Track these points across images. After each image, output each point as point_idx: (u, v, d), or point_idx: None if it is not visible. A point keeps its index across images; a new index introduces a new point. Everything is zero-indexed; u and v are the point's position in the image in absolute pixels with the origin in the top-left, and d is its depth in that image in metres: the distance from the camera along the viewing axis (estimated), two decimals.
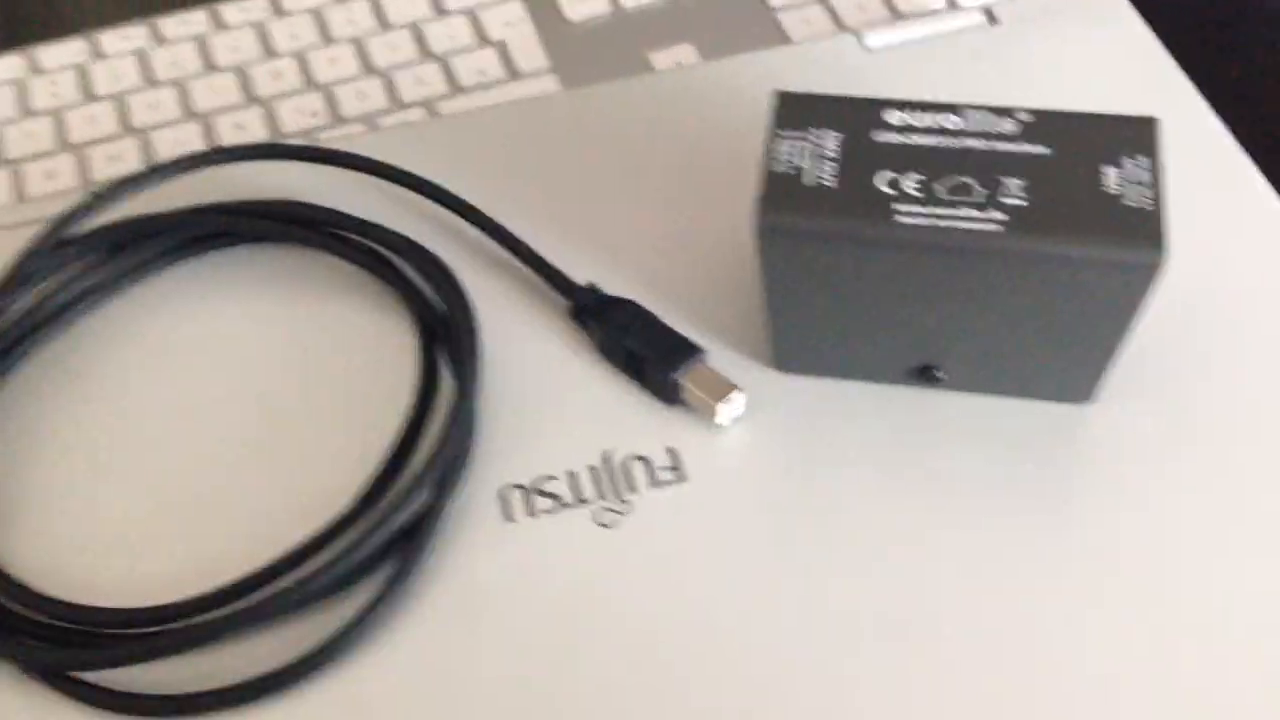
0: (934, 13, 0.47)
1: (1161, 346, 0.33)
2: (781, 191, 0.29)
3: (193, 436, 0.33)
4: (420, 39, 0.49)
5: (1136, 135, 0.29)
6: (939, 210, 0.29)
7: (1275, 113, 0.47)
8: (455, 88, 0.47)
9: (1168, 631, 0.29)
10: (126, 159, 0.45)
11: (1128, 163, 0.29)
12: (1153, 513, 0.30)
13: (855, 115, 0.30)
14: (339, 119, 0.46)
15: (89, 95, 0.47)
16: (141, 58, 0.48)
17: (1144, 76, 0.39)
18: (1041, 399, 0.32)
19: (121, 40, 0.49)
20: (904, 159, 0.29)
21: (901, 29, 0.40)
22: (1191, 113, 0.38)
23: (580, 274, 0.36)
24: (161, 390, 0.34)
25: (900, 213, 0.29)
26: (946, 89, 0.39)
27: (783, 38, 0.48)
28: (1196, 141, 0.37)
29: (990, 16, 0.41)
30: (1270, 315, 0.33)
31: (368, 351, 0.35)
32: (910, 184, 0.29)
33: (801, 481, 0.31)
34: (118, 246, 0.36)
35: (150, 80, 0.48)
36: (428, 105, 0.47)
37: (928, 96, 0.39)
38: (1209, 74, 0.48)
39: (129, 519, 0.32)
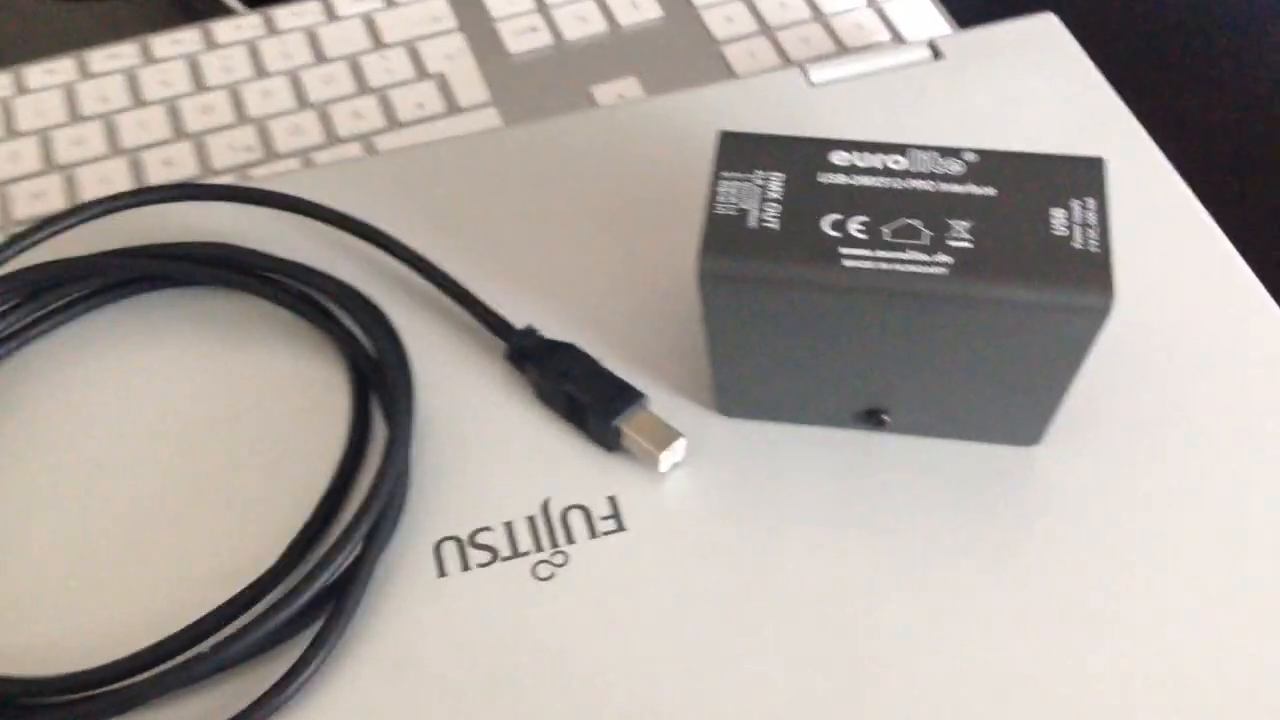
0: (879, 46, 0.47)
1: (1108, 386, 0.33)
2: (724, 235, 0.28)
3: (115, 489, 0.32)
4: (357, 71, 0.47)
5: (1083, 177, 0.29)
6: (885, 254, 0.28)
7: (1217, 145, 0.47)
8: (393, 122, 0.46)
9: (1116, 673, 0.28)
10: (50, 196, 0.44)
11: (1075, 205, 0.28)
12: (1101, 553, 0.30)
13: (800, 156, 0.30)
14: (273, 154, 0.45)
15: (12, 131, 0.46)
16: (68, 92, 0.47)
17: (1087, 110, 0.38)
18: (989, 442, 0.32)
19: (46, 74, 0.47)
20: (850, 201, 0.29)
21: (846, 64, 0.40)
22: (1136, 147, 0.37)
23: (520, 315, 0.35)
24: (82, 441, 0.33)
25: (846, 256, 0.28)
26: (891, 124, 0.38)
27: (727, 71, 0.47)
28: (1141, 176, 0.37)
29: (935, 51, 0.40)
30: (1215, 351, 0.33)
31: (299, 398, 0.33)
32: (855, 226, 0.28)
33: (743, 529, 0.31)
34: (38, 290, 0.34)
35: (76, 115, 0.46)
36: (365, 140, 0.45)
37: (873, 131, 0.38)
38: (1152, 105, 0.48)
39: (46, 578, 0.30)
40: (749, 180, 0.29)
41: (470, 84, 0.47)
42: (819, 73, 0.40)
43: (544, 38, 0.48)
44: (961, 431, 0.32)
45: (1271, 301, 0.34)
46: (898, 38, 0.48)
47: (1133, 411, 0.32)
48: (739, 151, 0.30)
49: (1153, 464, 0.31)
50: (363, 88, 0.47)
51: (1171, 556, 0.30)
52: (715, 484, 0.31)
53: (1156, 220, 0.36)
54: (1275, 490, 0.31)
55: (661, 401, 0.33)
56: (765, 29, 0.48)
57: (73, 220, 0.33)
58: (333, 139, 0.45)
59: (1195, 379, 0.33)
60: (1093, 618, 0.29)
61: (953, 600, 0.29)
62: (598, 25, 0.49)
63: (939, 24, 0.48)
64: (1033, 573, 0.30)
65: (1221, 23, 0.51)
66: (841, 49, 0.47)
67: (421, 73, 0.47)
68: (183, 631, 0.28)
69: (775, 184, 0.29)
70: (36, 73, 0.47)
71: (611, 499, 0.31)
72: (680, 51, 0.48)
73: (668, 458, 0.31)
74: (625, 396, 0.32)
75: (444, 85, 0.47)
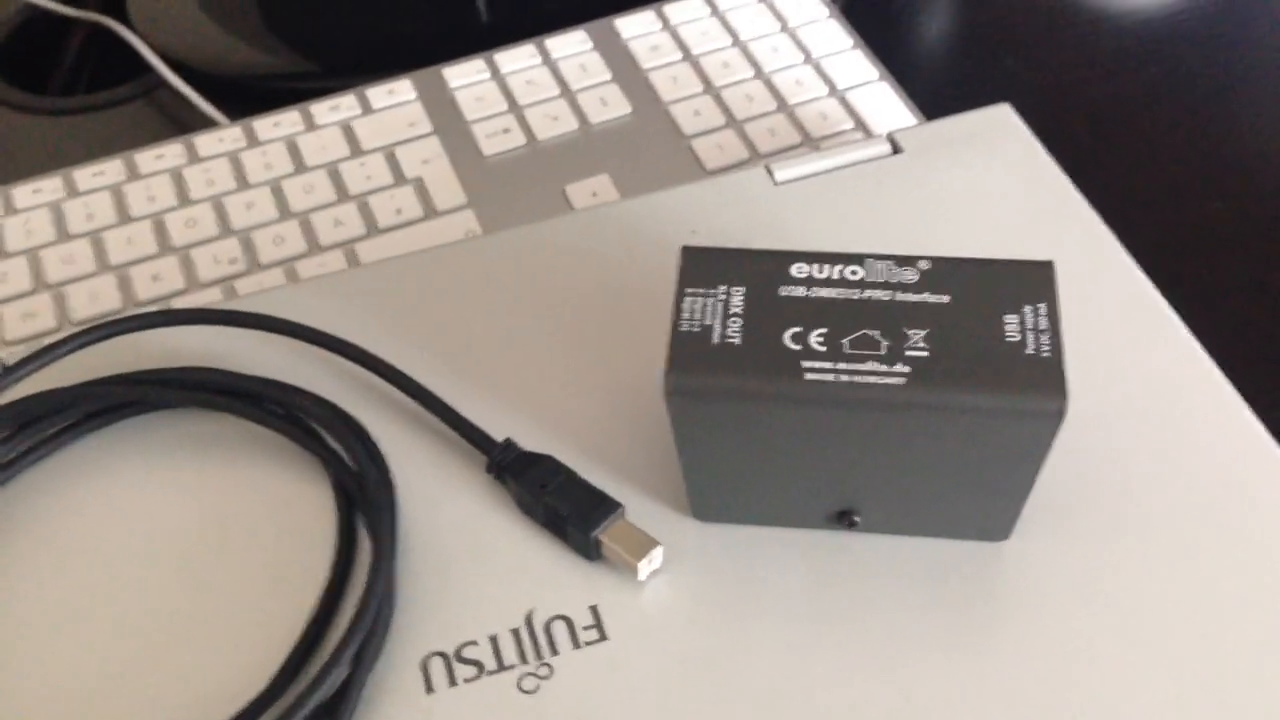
0: (840, 142, 0.48)
1: (1074, 479, 0.33)
2: (689, 352, 0.29)
3: (103, 616, 0.33)
4: (337, 179, 0.49)
5: (1034, 281, 0.30)
6: (845, 365, 0.29)
7: (1175, 227, 0.48)
8: (373, 228, 0.47)
9: None
10: (41, 316, 0.45)
11: (1026, 310, 0.29)
12: (1073, 648, 0.30)
13: (761, 269, 0.31)
14: (257, 265, 0.46)
15: (1, 251, 0.47)
16: (55, 210, 0.48)
17: (1043, 201, 0.39)
18: (959, 538, 0.33)
19: (34, 194, 0.49)
20: (809, 313, 0.30)
21: (809, 161, 0.41)
22: (1091, 237, 0.38)
23: (499, 427, 0.35)
24: (71, 569, 0.33)
25: (807, 369, 0.29)
26: (854, 222, 0.39)
27: (696, 164, 0.48)
28: (1096, 265, 0.38)
29: (894, 145, 0.41)
30: (1177, 440, 0.34)
31: (285, 518, 0.34)
32: (816, 339, 0.29)
33: (722, 633, 0.31)
34: (25, 423, 0.35)
35: (65, 233, 0.47)
36: (346, 248, 0.47)
37: (836, 229, 0.39)
38: (1110, 189, 0.50)
39: (35, 707, 0.31)
40: (712, 295, 0.30)
41: (447, 187, 0.48)
42: (783, 171, 0.41)
43: (517, 138, 0.50)
44: (931, 529, 0.32)
45: (1231, 388, 0.35)
46: (861, 125, 0.49)
47: (1100, 503, 0.33)
48: (701, 266, 0.31)
49: (1122, 556, 0.32)
50: (343, 195, 0.48)
51: (1143, 649, 0.30)
52: (694, 589, 0.32)
53: (1113, 310, 0.37)
54: (1243, 578, 0.31)
55: (639, 509, 0.34)
56: (732, 122, 0.50)
57: (57, 354, 0.34)
58: (315, 248, 0.47)
59: (1160, 468, 0.33)
60: (1065, 711, 0.30)
61: (930, 697, 0.30)
62: (569, 124, 0.50)
63: (900, 110, 0.49)
64: (1007, 667, 0.30)
65: (1180, 103, 0.52)
66: (807, 139, 0.49)
67: (399, 178, 0.49)
68: None
69: (737, 298, 0.30)
70: (24, 192, 0.49)
71: (593, 608, 0.32)
72: (650, 147, 0.49)
73: (646, 566, 0.32)
74: (603, 507, 0.32)
75: (421, 189, 0.48)
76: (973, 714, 0.30)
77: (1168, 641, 0.30)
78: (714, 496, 0.32)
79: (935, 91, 0.53)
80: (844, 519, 0.32)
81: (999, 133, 0.41)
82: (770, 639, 0.31)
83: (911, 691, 0.30)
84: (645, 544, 0.32)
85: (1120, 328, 0.36)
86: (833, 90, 0.50)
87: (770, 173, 0.41)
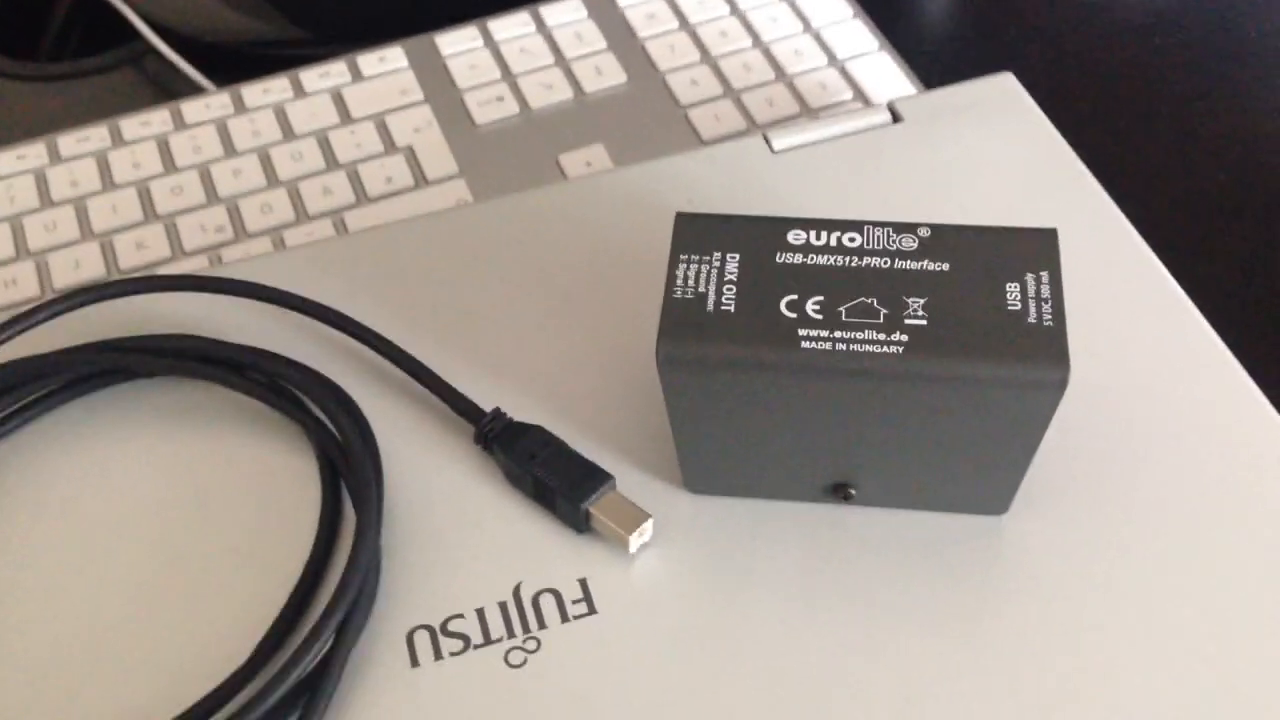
0: (839, 111, 0.47)
1: (1074, 452, 0.33)
2: (682, 319, 0.29)
3: (84, 586, 0.32)
4: (326, 147, 0.48)
5: (1036, 249, 0.29)
6: (841, 334, 0.28)
7: (1179, 199, 0.48)
8: (363, 197, 0.46)
9: None
10: (23, 283, 0.44)
11: (1029, 278, 0.29)
12: (1070, 622, 0.30)
13: (756, 236, 0.30)
14: (244, 234, 0.45)
15: None
16: (38, 177, 0.47)
17: (1046, 171, 0.39)
18: (956, 512, 0.32)
19: (17, 160, 0.48)
20: (806, 280, 0.29)
21: (807, 130, 0.40)
22: (1094, 206, 0.38)
23: (488, 397, 0.35)
24: (50, 539, 0.33)
25: (803, 337, 0.28)
26: (853, 191, 0.39)
27: (693, 135, 0.48)
28: (1099, 236, 0.37)
29: (894, 114, 0.41)
30: (1179, 413, 0.33)
31: (269, 488, 0.33)
32: (812, 307, 0.29)
33: (714, 607, 0.31)
34: (2, 390, 0.34)
35: (48, 200, 0.46)
36: (335, 216, 0.46)
37: (835, 198, 0.38)
38: (1113, 159, 0.49)
39: (10, 679, 0.30)
40: (706, 262, 0.30)
41: (438, 156, 0.47)
42: (781, 140, 0.40)
43: (510, 107, 0.49)
44: (928, 503, 0.32)
45: (1234, 360, 0.34)
46: (860, 96, 0.48)
47: (1099, 477, 0.32)
48: (695, 233, 0.30)
49: (1122, 529, 0.31)
50: (332, 163, 0.47)
51: (1142, 623, 0.30)
52: (685, 563, 0.31)
53: (1116, 281, 0.36)
54: (1245, 552, 0.31)
55: (630, 480, 0.33)
56: (730, 91, 0.49)
57: (37, 319, 0.34)
58: (303, 216, 0.46)
59: (1161, 440, 0.33)
60: (1063, 687, 0.29)
61: (924, 672, 0.29)
62: (564, 93, 0.49)
63: (901, 81, 0.49)
64: (1003, 642, 0.30)
65: (1185, 74, 0.52)
66: (805, 109, 0.48)
67: (390, 146, 0.48)
68: None
69: (732, 265, 0.29)
70: (7, 158, 0.48)
71: (582, 581, 0.31)
72: (646, 117, 0.48)
73: (636, 539, 0.31)
74: (593, 478, 0.32)
75: (412, 158, 0.47)
76: (969, 690, 0.29)
77: (1167, 616, 0.30)
78: (707, 468, 0.32)
79: (936, 63, 0.52)
80: (839, 492, 0.32)
81: (1001, 101, 0.41)
82: (763, 613, 0.30)
83: (907, 667, 0.29)
84: (636, 516, 0.31)
85: (1123, 299, 0.36)
86: (832, 60, 0.49)
87: (768, 141, 0.40)
